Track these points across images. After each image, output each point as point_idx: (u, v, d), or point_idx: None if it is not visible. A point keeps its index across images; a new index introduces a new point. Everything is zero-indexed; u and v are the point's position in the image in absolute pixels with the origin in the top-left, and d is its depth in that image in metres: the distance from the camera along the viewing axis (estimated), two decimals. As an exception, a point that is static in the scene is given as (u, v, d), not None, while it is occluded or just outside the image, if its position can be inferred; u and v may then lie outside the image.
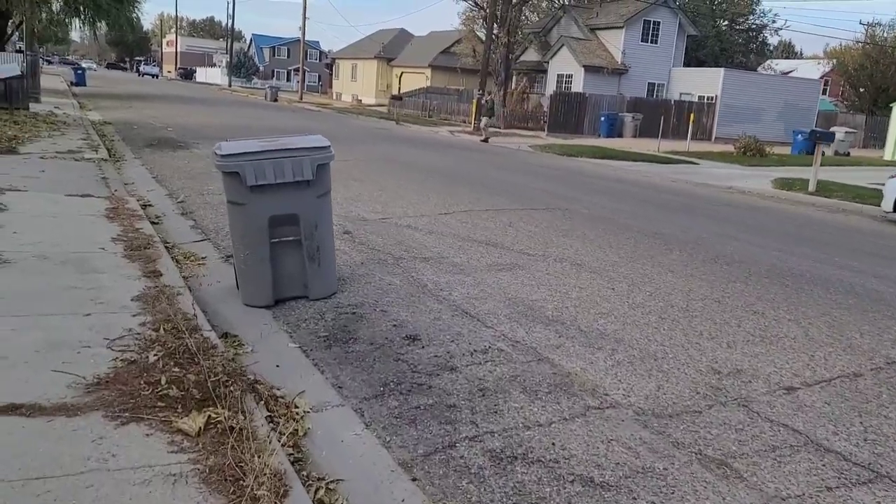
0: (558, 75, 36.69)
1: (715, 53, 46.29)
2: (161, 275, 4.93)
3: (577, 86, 34.73)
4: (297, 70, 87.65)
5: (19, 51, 26.94)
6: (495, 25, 34.86)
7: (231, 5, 70.21)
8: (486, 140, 25.16)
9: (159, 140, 14.37)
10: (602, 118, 30.70)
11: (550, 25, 40.40)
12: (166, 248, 5.80)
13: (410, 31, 57.70)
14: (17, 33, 31.55)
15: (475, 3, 37.04)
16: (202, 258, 5.91)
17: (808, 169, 15.59)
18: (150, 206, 7.90)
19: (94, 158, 10.82)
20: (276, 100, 45.37)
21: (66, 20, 26.88)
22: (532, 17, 46.12)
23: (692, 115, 27.86)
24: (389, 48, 54.31)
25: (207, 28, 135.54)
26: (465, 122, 36.18)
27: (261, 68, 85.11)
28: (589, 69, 34.56)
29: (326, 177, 4.86)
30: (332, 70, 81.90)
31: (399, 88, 51.24)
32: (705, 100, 33.47)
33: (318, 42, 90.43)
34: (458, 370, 3.84)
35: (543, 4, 46.40)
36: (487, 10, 36.59)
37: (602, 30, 36.72)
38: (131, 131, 16.09)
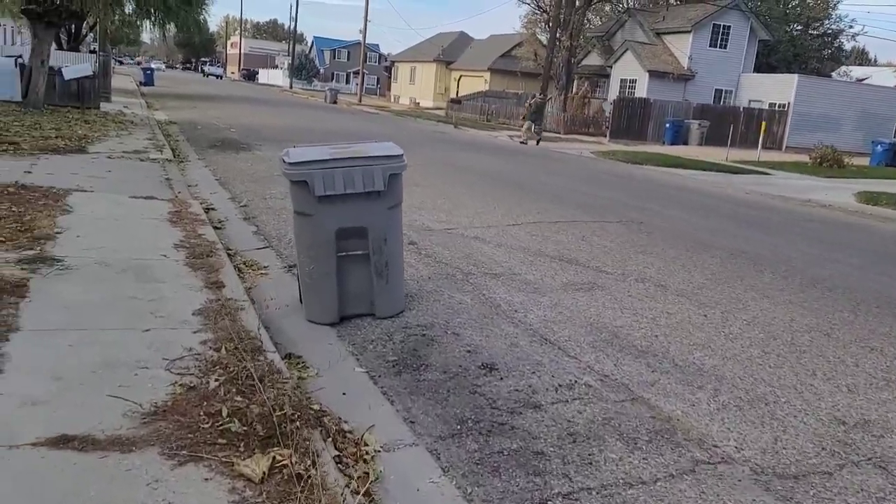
0: (621, 80, 35.86)
1: (787, 59, 44.58)
2: (223, 286, 4.69)
3: (641, 91, 33.86)
4: (356, 72, 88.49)
5: (93, 51, 27.70)
6: (558, 29, 34.33)
7: (294, 8, 71.05)
8: (524, 143, 24.62)
9: (223, 141, 14.39)
10: (667, 125, 29.78)
11: (614, 29, 39.58)
12: (228, 255, 5.59)
13: (470, 35, 57.47)
14: (91, 35, 32.53)
15: (538, 6, 36.53)
16: (264, 267, 5.68)
17: (892, 182, 14.61)
18: (212, 209, 7.75)
19: (158, 159, 10.82)
20: (335, 102, 45.71)
21: (138, 22, 27.51)
22: (594, 21, 45.37)
23: (763, 124, 26.75)
24: (449, 51, 54.19)
25: (270, 30, 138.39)
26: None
27: (321, 70, 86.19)
28: (654, 74, 33.66)
29: (398, 187, 4.54)
30: (390, 73, 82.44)
31: (457, 92, 51.04)
32: (776, 107, 32.17)
33: (377, 45, 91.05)
34: (542, 408, 3.45)
35: (607, 8, 45.58)
36: (550, 14, 36.07)
37: (668, 34, 35.73)
38: (195, 131, 16.21)
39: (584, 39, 38.46)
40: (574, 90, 37.61)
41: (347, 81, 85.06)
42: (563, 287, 5.64)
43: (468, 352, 4.14)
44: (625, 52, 35.52)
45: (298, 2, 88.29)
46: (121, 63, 75.63)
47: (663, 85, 33.64)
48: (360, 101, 48.72)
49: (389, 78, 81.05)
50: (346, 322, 4.51)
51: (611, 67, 36.98)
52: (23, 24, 21.76)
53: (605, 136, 31.12)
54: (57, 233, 5.43)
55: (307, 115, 27.35)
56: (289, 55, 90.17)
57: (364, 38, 50.41)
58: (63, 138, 11.43)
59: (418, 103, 53.50)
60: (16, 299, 3.98)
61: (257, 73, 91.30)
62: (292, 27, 78.76)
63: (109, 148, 11.16)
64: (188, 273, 4.91)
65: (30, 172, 8.27)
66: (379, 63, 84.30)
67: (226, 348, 3.67)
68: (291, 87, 68.62)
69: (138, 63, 79.32)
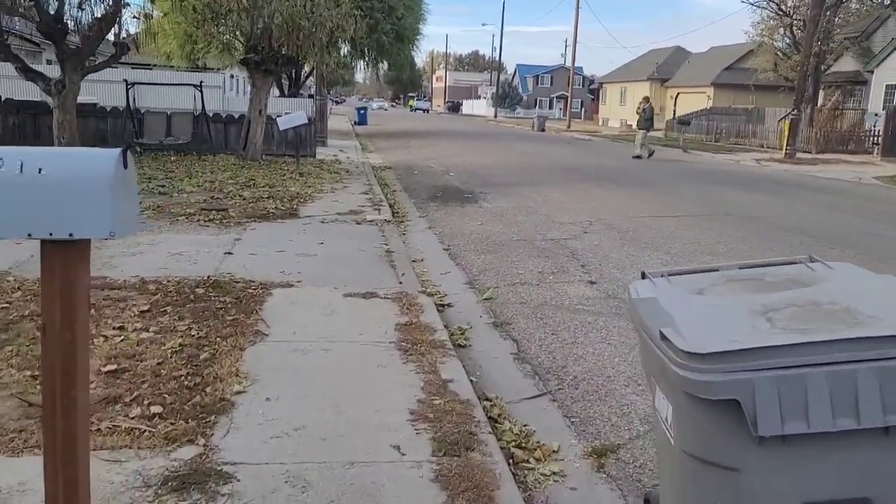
0: (887, 86, 30.00)
1: None
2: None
3: (918, 98, 27.93)
4: (559, 97, 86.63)
5: (311, 96, 28.11)
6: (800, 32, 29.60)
7: (499, 37, 70.79)
8: (639, 156, 20.59)
9: (443, 190, 12.64)
10: (963, 137, 23.96)
11: (873, 28, 33.56)
12: (494, 432, 3.34)
13: (687, 49, 52.97)
14: (310, 78, 33.49)
15: (778, 8, 31.84)
16: (553, 452, 3.34)
17: None
18: (449, 306, 5.68)
19: (376, 220, 9.15)
20: (543, 129, 43.74)
21: (352, 63, 27.50)
22: (836, 20, 39.03)
23: None
24: (664, 68, 50.19)
25: (472, 62, 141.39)
26: (763, 146, 31.10)
27: (524, 97, 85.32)
28: (935, 76, 27.61)
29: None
30: (595, 95, 79.38)
31: (674, 111, 46.85)
32: None
33: (580, 68, 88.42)
34: None
35: (853, 5, 39.11)
36: (793, 18, 31.31)
37: (951, 26, 29.35)
38: (411, 177, 14.74)
39: (835, 43, 32.92)
40: (821, 102, 32.26)
41: (550, 107, 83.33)
42: None
43: None
44: (893, 51, 29.69)
45: (503, 31, 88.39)
46: (337, 103, 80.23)
47: (949, 88, 27.47)
48: (569, 126, 46.35)
49: (594, 100, 78.08)
50: None
51: (871, 72, 31.18)
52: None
53: (873, 153, 25.85)
54: (238, 393, 3.52)
55: (520, 148, 25.42)
56: (491, 84, 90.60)
57: (573, 60, 48.14)
58: (275, 198, 10.22)
59: (630, 125, 49.92)
60: None
61: (461, 104, 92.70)
62: (495, 56, 78.81)
63: (323, 209, 9.72)
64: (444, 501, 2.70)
65: (230, 254, 6.80)
66: (583, 86, 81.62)
67: None
68: (496, 116, 68.11)
69: (361, 101, 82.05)
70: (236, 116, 16.82)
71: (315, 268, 6.48)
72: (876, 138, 26.53)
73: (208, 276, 5.76)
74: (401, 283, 6.23)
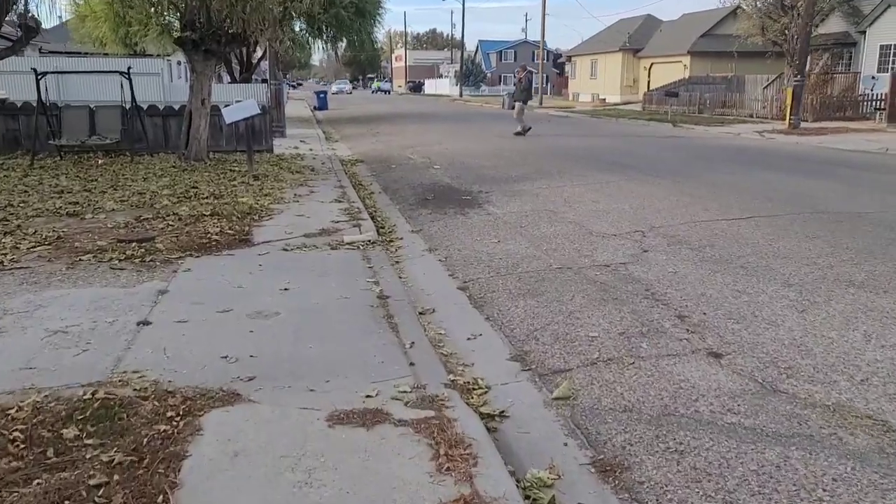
0: (881, 47, 28.27)
1: None
2: None
3: (915, 58, 26.25)
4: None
5: (265, 80, 25.38)
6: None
7: (461, 12, 67.98)
8: (521, 132, 18.73)
9: (434, 190, 10.26)
10: (973, 99, 22.30)
11: (860, -15, 31.75)
12: None
13: (657, 17, 50.91)
14: (263, 62, 30.60)
15: (763, -32, 29.84)
16: None
17: None
18: (501, 417, 3.41)
19: (357, 243, 6.81)
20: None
21: (309, 42, 24.78)
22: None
23: None
24: (635, 38, 48.04)
25: (430, 40, 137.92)
26: (752, 116, 29.25)
27: (488, 74, 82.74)
28: (934, 34, 25.92)
29: None
30: (560, 70, 77.00)
31: (648, 83, 44.91)
32: None
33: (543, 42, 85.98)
34: None
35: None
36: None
37: (945, -20, 27.64)
38: (390, 173, 12.35)
39: (823, 2, 31.08)
40: (809, 66, 30.50)
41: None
42: None
43: None
44: (886, 9, 27.92)
45: (465, 4, 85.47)
46: (293, 88, 76.51)
47: (948, 47, 25.81)
48: (541, 103, 44.06)
49: (560, 75, 75.74)
50: None
51: (863, 33, 29.44)
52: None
53: (875, 119, 24.10)
54: None
55: (501, 130, 23.09)
56: (453, 62, 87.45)
57: (543, 33, 45.78)
58: (221, 216, 7.78)
59: (603, 99, 47.90)
60: None
61: (423, 84, 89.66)
62: (454, 34, 75.97)
63: (286, 228, 7.33)
64: None
65: (147, 324, 4.43)
66: (548, 60, 79.27)
67: None
68: (461, 94, 65.51)
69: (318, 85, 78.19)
70: (177, 108, 14.20)
71: (277, 345, 4.16)
72: (878, 103, 24.75)
73: (93, 393, 3.38)
74: (412, 364, 3.97)
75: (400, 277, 5.92)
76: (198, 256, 6.28)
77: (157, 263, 5.99)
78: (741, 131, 22.53)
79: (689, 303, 4.91)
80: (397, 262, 6.46)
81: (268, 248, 6.62)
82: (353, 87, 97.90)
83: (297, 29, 20.91)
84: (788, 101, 21.90)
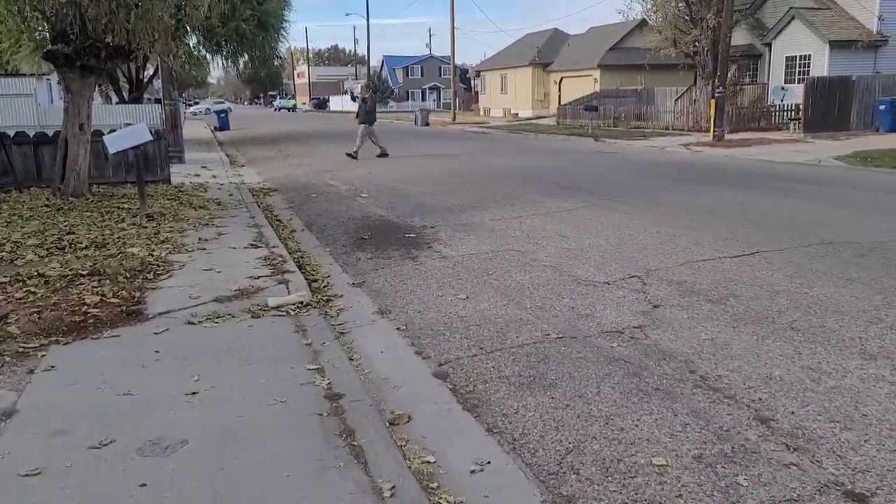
0: (787, 58, 28.85)
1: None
2: None
3: (819, 68, 26.80)
4: (432, 88, 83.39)
5: (158, 100, 23.07)
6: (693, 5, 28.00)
7: (366, 28, 66.53)
8: (354, 155, 17.45)
9: (369, 227, 8.68)
10: (881, 107, 22.80)
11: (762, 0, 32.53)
12: None
13: (564, 31, 51.13)
14: (156, 80, 28.09)
15: (672, -19, 29.97)
16: None
17: None
18: None
19: (285, 307, 5.23)
20: (427, 123, 40.22)
21: (207, 57, 22.70)
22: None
23: None
24: (544, 52, 47.98)
25: (332, 56, 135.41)
26: (667, 128, 29.21)
27: (395, 90, 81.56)
28: (836, 45, 26.55)
29: None
30: (468, 85, 76.69)
31: (559, 97, 44.83)
32: None
33: (449, 57, 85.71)
34: None
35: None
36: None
37: (843, -6, 28.52)
38: (312, 205, 10.70)
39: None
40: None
41: (424, 99, 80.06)
42: None
43: None
44: (790, 22, 28.50)
45: (369, 18, 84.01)
46: (189, 106, 72.38)
47: (849, 57, 26.48)
48: (454, 118, 43.12)
49: (468, 90, 75.36)
50: None
51: (768, 45, 30.02)
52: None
53: (790, 129, 24.33)
54: None
55: (423, 149, 21.74)
56: (358, 78, 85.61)
57: (453, 49, 45.04)
58: (103, 276, 5.99)
59: (516, 114, 47.53)
60: None
61: (328, 100, 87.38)
62: (357, 49, 74.44)
63: (190, 292, 5.64)
64: None
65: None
66: (456, 75, 78.87)
67: None
68: (369, 111, 63.77)
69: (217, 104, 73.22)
70: (52, 135, 12.05)
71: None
72: (791, 113, 25.04)
73: None
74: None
75: (351, 359, 4.41)
76: (67, 343, 4.56)
77: (7, 359, 4.24)
78: (665, 145, 22.13)
79: (760, 393, 3.62)
80: (342, 333, 4.93)
81: (167, 323, 4.95)
82: (256, 104, 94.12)
83: (192, 43, 18.88)
84: (712, 113, 21.68)
